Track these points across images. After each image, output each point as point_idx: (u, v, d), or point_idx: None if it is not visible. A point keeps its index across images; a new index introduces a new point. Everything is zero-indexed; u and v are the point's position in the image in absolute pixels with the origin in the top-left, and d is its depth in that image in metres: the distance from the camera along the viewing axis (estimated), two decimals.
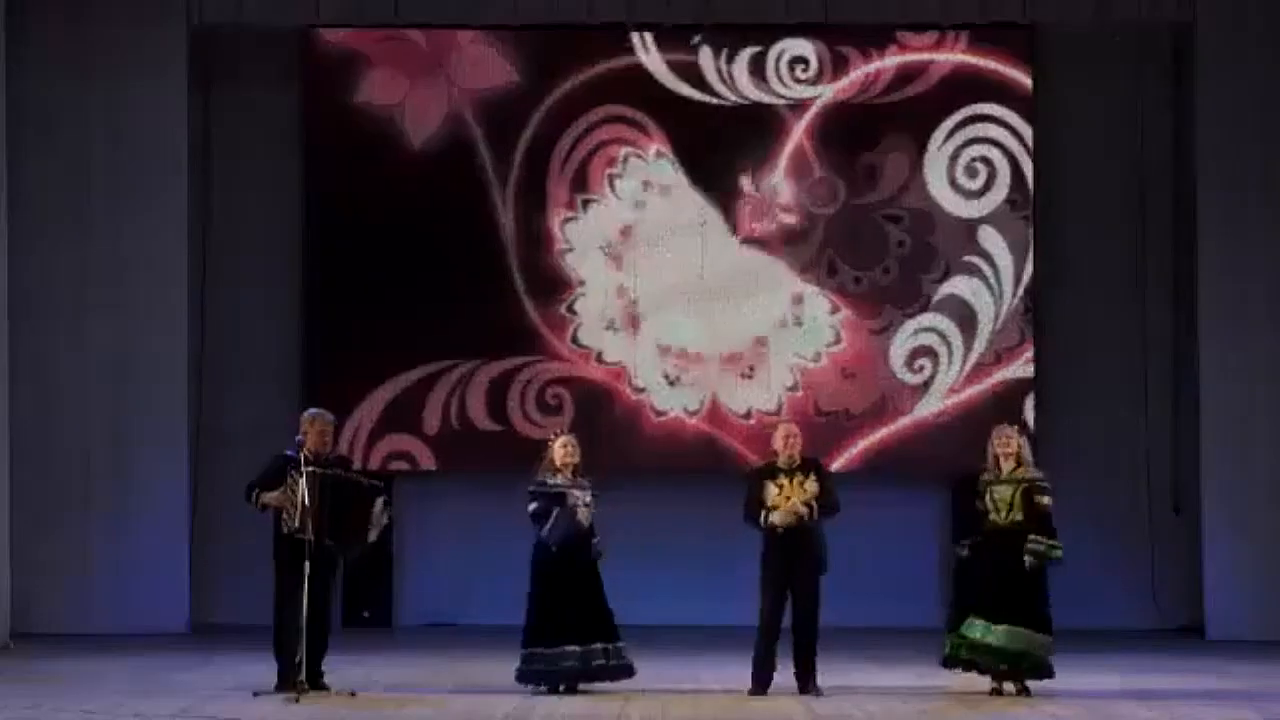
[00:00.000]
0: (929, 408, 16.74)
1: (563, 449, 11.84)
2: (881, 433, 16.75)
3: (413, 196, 16.81)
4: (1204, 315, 16.24)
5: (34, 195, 15.77)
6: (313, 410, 11.98)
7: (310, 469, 11.37)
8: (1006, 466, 11.78)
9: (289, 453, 11.60)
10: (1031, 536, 11.59)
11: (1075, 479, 15.48)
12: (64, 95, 16.05)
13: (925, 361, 16.83)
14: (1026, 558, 11.54)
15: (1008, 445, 11.81)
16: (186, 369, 16.35)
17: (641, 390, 16.82)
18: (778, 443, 11.91)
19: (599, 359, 16.85)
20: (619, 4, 16.47)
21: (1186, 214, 16.72)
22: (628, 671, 11.72)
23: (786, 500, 11.66)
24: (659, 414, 16.80)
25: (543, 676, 11.61)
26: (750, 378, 16.84)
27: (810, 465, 11.87)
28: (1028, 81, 16.84)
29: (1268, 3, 16.20)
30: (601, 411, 16.74)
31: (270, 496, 11.54)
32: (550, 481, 11.79)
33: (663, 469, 16.55)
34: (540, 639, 11.61)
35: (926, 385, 16.80)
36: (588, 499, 11.77)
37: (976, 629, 11.52)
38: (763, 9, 16.45)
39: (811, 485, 11.75)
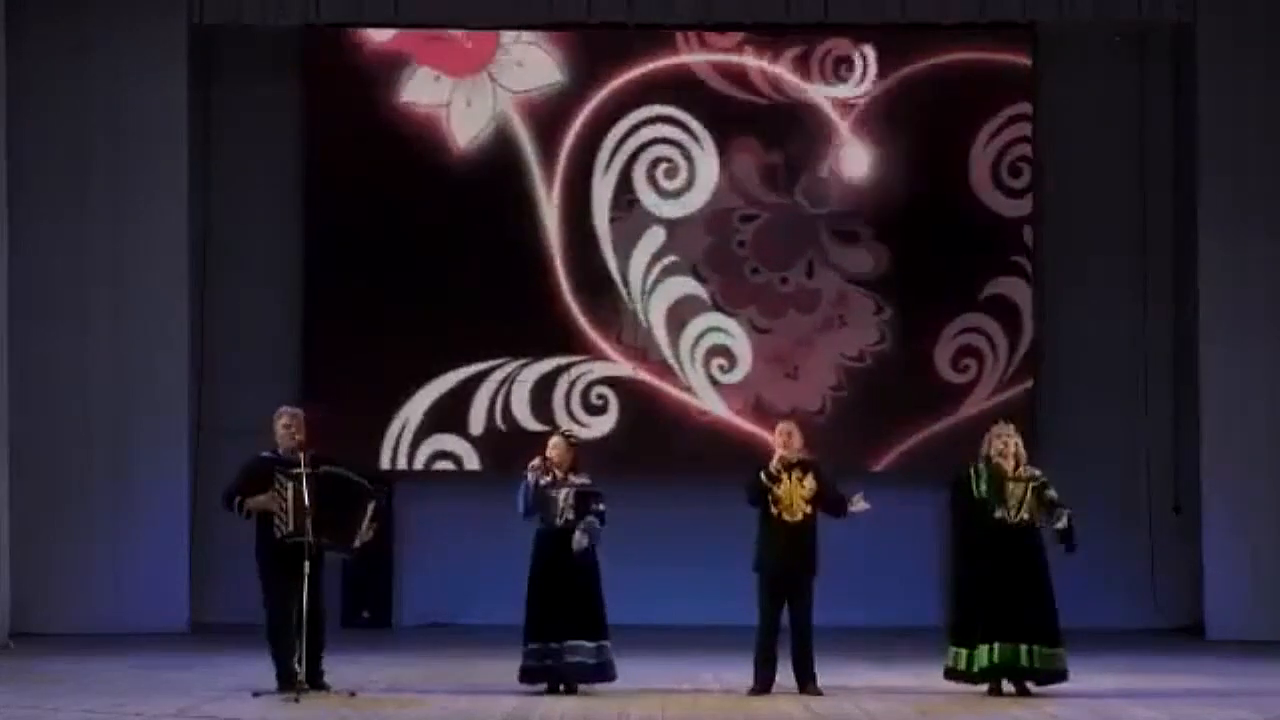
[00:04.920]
0: (974, 407, 16.71)
1: (554, 450, 11.83)
2: (927, 432, 16.75)
3: (435, 196, 16.81)
4: (1204, 315, 16.23)
5: (34, 194, 15.76)
6: (282, 407, 11.87)
7: (307, 470, 11.29)
8: (1008, 465, 11.79)
9: (265, 454, 11.54)
10: (1065, 513, 11.69)
11: (1075, 479, 15.37)
12: (64, 94, 16.04)
13: (970, 361, 16.83)
14: (1060, 524, 11.64)
15: (1007, 444, 11.82)
16: (187, 369, 16.35)
17: (686, 390, 16.84)
18: (777, 440, 11.92)
19: (644, 358, 16.86)
20: (620, 3, 16.47)
21: (1187, 214, 16.72)
22: (606, 674, 11.68)
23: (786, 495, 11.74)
24: (703, 413, 16.81)
25: (537, 674, 11.62)
26: (795, 377, 16.85)
27: (809, 465, 11.88)
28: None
29: (1268, 3, 16.20)
30: (647, 411, 16.77)
31: (256, 502, 11.41)
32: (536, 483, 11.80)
33: (707, 468, 16.52)
34: (532, 636, 11.64)
35: (971, 385, 16.80)
36: (564, 494, 11.71)
37: (991, 652, 11.51)
38: (765, 7, 16.42)
39: (810, 484, 11.77)
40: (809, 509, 11.77)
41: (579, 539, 11.56)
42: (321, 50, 16.93)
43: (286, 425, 11.56)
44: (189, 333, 16.43)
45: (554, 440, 11.94)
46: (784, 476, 11.76)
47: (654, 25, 16.62)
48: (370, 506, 11.56)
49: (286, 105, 17.08)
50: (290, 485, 11.26)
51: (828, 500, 11.84)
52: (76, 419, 15.99)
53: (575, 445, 11.94)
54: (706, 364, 16.88)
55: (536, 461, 11.76)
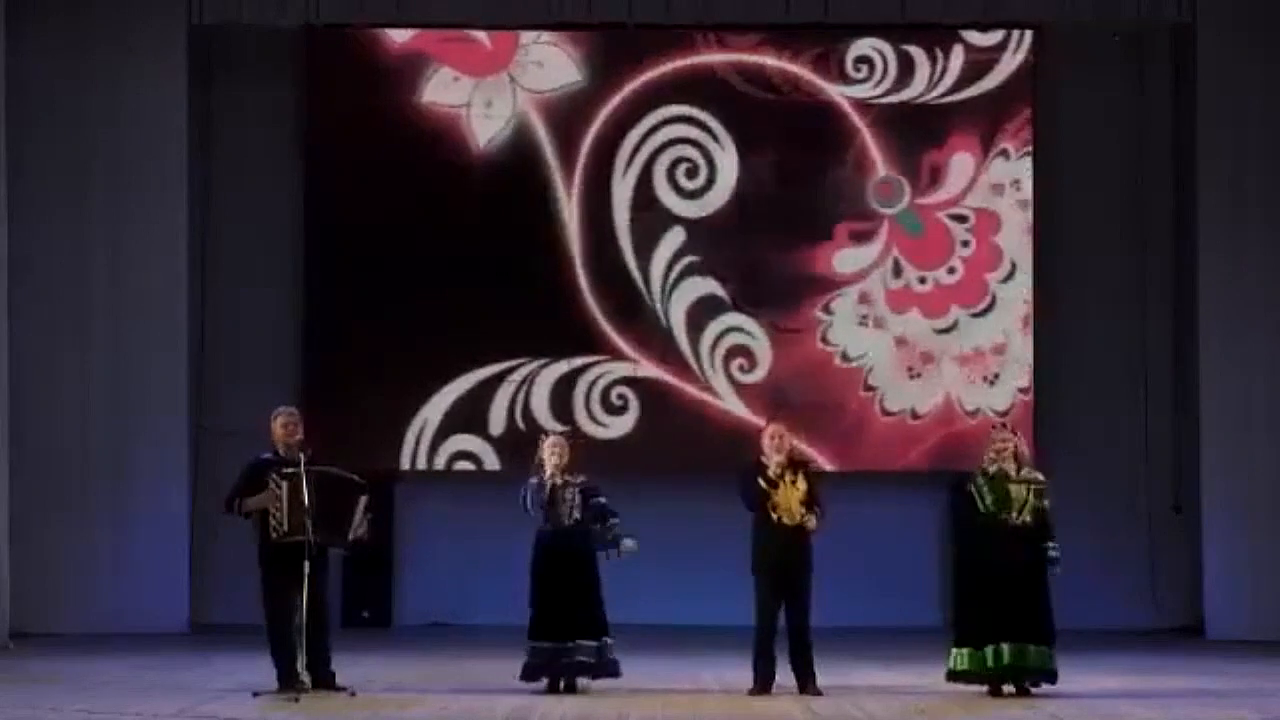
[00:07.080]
0: (995, 406, 16.67)
1: (556, 450, 11.86)
2: (947, 432, 16.72)
3: (453, 197, 16.79)
4: (1204, 315, 16.24)
5: (34, 195, 15.76)
6: (279, 407, 11.87)
7: (304, 468, 11.26)
8: (1010, 467, 11.78)
9: (264, 455, 11.53)
10: (1050, 545, 11.64)
11: (1075, 479, 15.49)
12: (64, 94, 16.04)
13: (973, 361, 16.82)
14: (1056, 569, 11.62)
15: (1006, 445, 11.82)
16: (186, 369, 16.35)
17: (706, 390, 16.83)
18: (769, 444, 11.88)
19: (664, 359, 16.85)
20: (621, 4, 16.46)
21: (1187, 214, 16.72)
22: (611, 670, 11.70)
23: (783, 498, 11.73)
24: (724, 413, 16.78)
25: (539, 671, 11.64)
26: (815, 378, 16.82)
27: (799, 466, 11.89)
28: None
29: (1268, 3, 16.20)
30: (667, 411, 16.76)
31: (253, 501, 11.36)
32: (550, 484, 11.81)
33: (726, 468, 16.45)
34: (536, 634, 11.67)
35: (992, 384, 16.79)
36: (570, 493, 11.74)
37: (989, 655, 11.51)
38: (765, 7, 16.41)
39: (803, 484, 11.76)
40: (805, 510, 11.77)
41: (630, 545, 11.67)
42: (323, 50, 16.88)
43: (285, 425, 11.56)
44: (189, 333, 16.43)
45: (556, 440, 11.95)
46: (780, 481, 11.76)
47: (653, 25, 16.60)
48: (363, 501, 11.54)
49: (286, 105, 17.08)
50: (285, 485, 11.24)
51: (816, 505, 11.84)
52: (76, 419, 15.99)
53: (576, 444, 11.96)
54: (726, 364, 16.87)
55: (543, 461, 11.79)
